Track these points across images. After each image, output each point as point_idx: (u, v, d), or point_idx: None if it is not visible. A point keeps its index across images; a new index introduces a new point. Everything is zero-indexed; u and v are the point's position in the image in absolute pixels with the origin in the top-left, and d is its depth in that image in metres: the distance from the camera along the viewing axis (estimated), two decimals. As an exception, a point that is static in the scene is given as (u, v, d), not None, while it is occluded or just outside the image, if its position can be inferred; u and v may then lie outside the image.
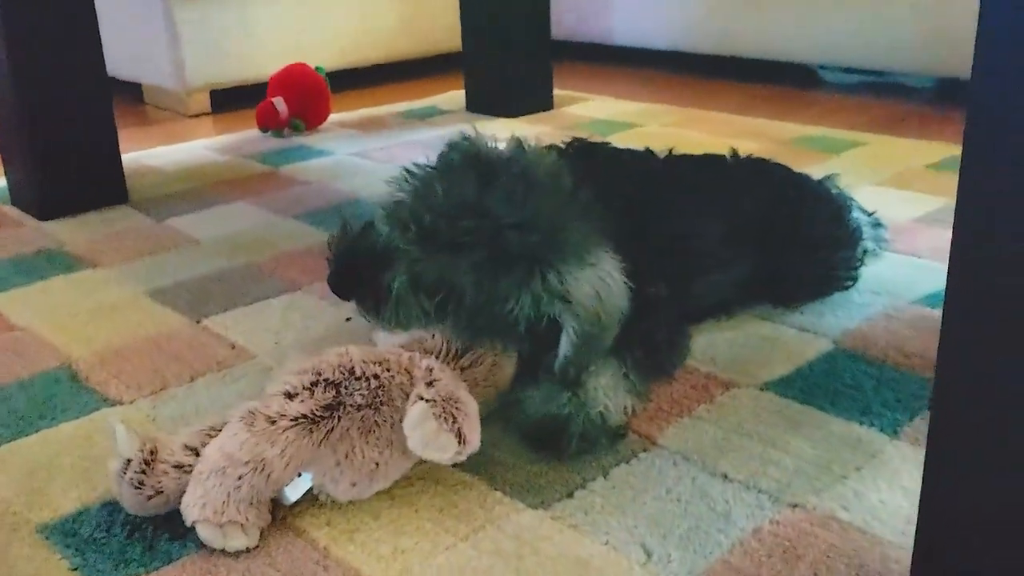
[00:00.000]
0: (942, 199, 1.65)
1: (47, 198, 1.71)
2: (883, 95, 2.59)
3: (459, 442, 0.82)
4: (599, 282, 0.92)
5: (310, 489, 0.86)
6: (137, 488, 0.82)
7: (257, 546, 0.82)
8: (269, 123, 2.24)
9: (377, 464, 0.85)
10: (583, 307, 0.90)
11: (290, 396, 0.84)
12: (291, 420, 0.82)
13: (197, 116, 2.61)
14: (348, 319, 1.26)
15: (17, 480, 0.94)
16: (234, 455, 0.80)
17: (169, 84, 2.59)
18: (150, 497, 0.82)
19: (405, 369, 0.88)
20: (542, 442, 0.93)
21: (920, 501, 0.68)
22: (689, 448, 0.94)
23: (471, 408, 0.85)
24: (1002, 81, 0.57)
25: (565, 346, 0.92)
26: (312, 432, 0.82)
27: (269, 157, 2.09)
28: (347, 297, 0.99)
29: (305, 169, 1.99)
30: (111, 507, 0.89)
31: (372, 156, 2.07)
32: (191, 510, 0.80)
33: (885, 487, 0.88)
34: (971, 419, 0.63)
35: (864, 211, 1.37)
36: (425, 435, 0.81)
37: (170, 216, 1.72)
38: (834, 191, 1.32)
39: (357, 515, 0.86)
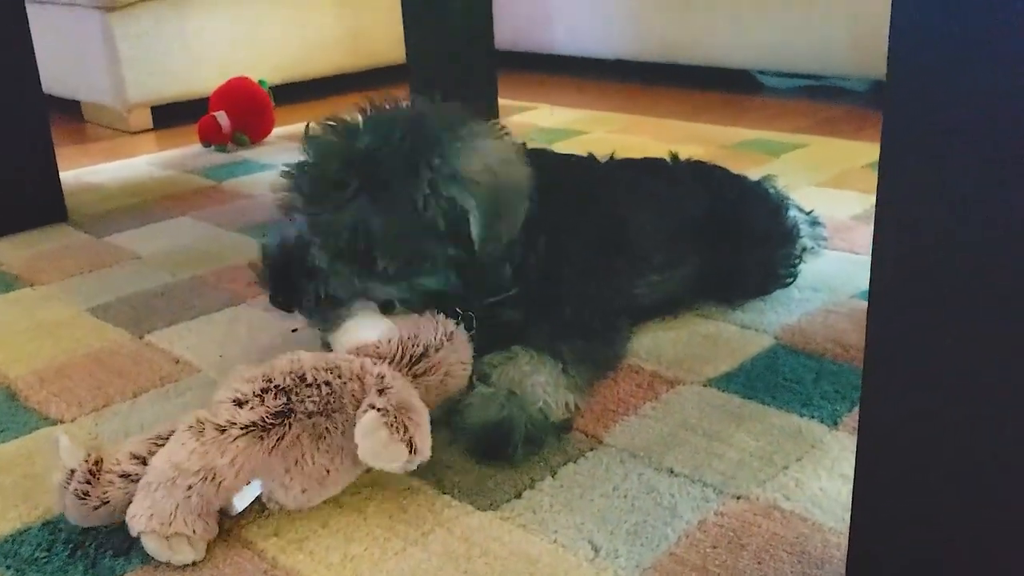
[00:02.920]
0: (878, 197, 1.69)
1: (-16, 217, 1.68)
2: (821, 98, 2.65)
3: (410, 451, 0.81)
4: (490, 156, 0.97)
5: (258, 498, 0.85)
6: (82, 499, 0.81)
7: (203, 559, 0.81)
8: (212, 138, 2.22)
9: (328, 471, 0.85)
10: (476, 183, 0.95)
11: (239, 403, 0.83)
12: (241, 428, 0.81)
13: (138, 133, 2.57)
14: (294, 330, 1.25)
15: (-46, 502, 0.92)
16: (183, 465, 0.79)
17: (109, 101, 2.56)
18: (96, 508, 0.81)
19: (357, 376, 0.88)
20: (488, 450, 0.93)
21: (854, 490, 0.70)
22: (635, 445, 0.95)
23: (423, 417, 0.85)
24: (914, 79, 0.59)
25: (474, 227, 0.95)
26: (263, 439, 0.81)
27: (212, 171, 2.07)
28: (290, 307, 0.99)
29: (248, 183, 1.98)
30: (52, 525, 0.87)
31: (317, 168, 2.06)
32: (137, 520, 0.78)
33: (825, 475, 0.89)
34: (900, 409, 0.65)
35: (802, 210, 1.40)
36: (376, 444, 0.81)
37: (111, 233, 1.69)
38: (771, 191, 1.35)
39: (305, 524, 0.86)
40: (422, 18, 2.41)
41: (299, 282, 0.97)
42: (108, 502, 0.81)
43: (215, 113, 2.21)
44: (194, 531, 0.78)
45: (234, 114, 2.23)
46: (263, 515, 0.86)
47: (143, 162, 2.20)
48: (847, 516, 0.83)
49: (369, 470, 0.89)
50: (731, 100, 2.68)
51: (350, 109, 1.01)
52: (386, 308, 0.98)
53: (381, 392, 0.84)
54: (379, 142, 0.96)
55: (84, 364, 1.19)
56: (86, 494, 0.80)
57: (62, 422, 1.06)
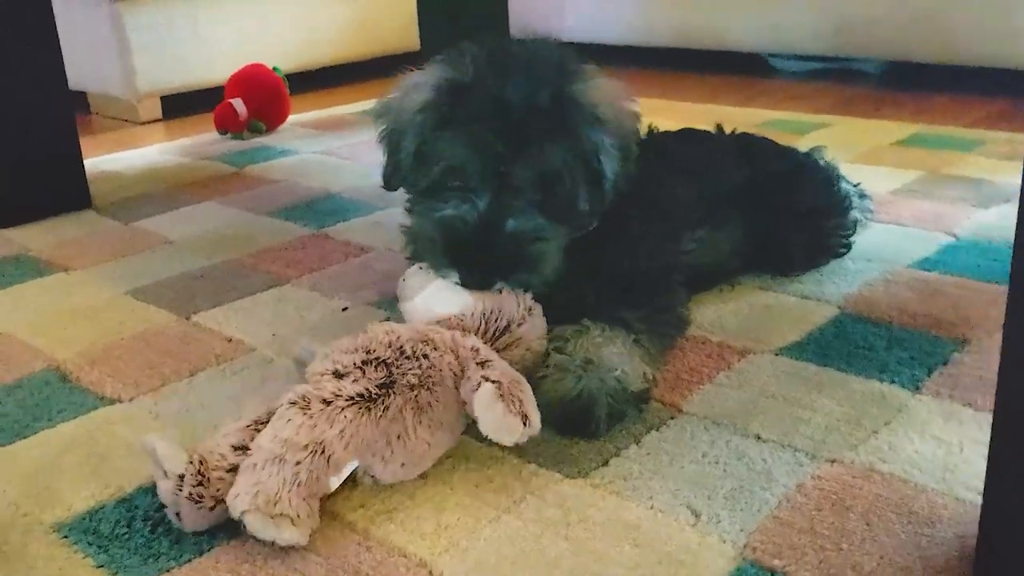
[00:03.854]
0: (914, 172, 1.69)
1: (8, 204, 1.64)
2: (835, 80, 2.64)
3: (523, 423, 0.80)
4: (612, 94, 0.99)
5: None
6: (198, 502, 0.77)
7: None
8: (228, 125, 2.19)
9: (428, 444, 0.83)
10: (609, 121, 0.96)
11: (339, 375, 0.81)
12: (347, 400, 0.79)
13: (148, 123, 2.53)
14: (344, 308, 1.23)
15: (22, 481, 0.89)
16: (292, 440, 0.76)
17: (118, 91, 2.52)
18: (211, 508, 0.78)
19: (451, 348, 0.86)
20: (572, 426, 0.90)
21: (988, 466, 0.67)
22: (717, 413, 0.94)
23: (529, 389, 0.83)
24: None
25: (608, 166, 0.95)
26: (370, 411, 0.79)
27: (232, 158, 2.04)
28: (489, 284, 0.95)
29: (271, 168, 1.95)
30: (128, 502, 0.85)
31: (337, 153, 2.04)
32: (241, 499, 0.74)
33: (917, 439, 0.88)
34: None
35: (849, 182, 1.39)
36: (495, 417, 0.79)
37: (138, 219, 1.66)
38: (821, 162, 1.33)
39: (391, 495, 0.83)
40: (436, 5, 2.39)
41: (493, 252, 0.93)
42: (223, 500, 0.77)
43: (231, 100, 2.18)
44: (298, 514, 0.75)
45: (250, 101, 2.19)
46: (345, 487, 0.84)
47: (158, 150, 2.16)
48: (947, 477, 0.82)
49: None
50: (745, 83, 2.67)
51: (460, 54, 0.98)
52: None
53: (482, 365, 0.83)
54: (530, 91, 0.94)
55: (132, 345, 1.16)
56: (201, 497, 0.77)
57: (119, 402, 1.03)
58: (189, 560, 0.77)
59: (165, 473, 0.78)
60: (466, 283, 0.93)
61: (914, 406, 0.93)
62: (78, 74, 2.60)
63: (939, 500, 0.79)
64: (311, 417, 0.77)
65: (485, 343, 0.89)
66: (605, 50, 3.06)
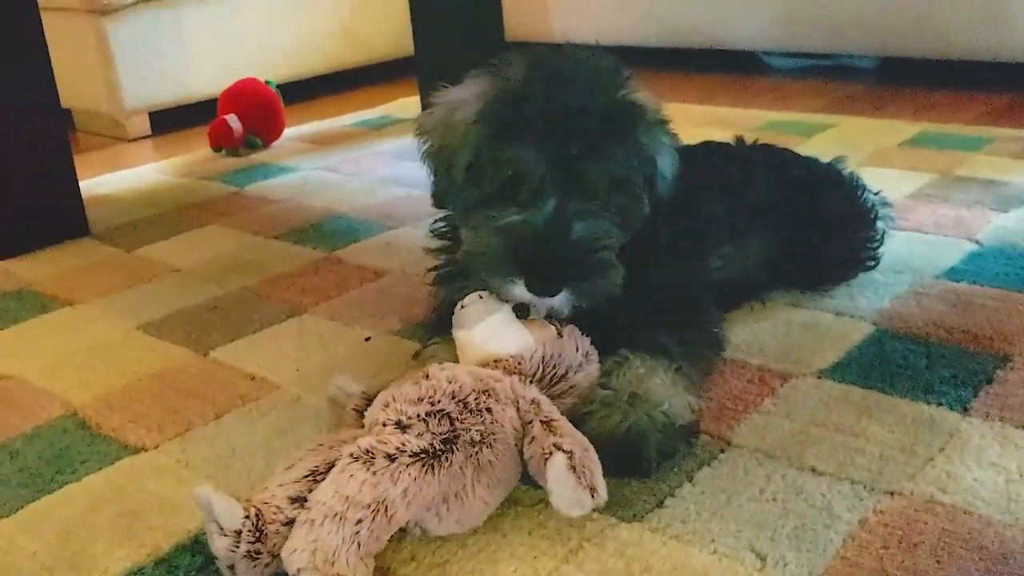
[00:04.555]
0: (927, 174, 1.67)
1: (3, 235, 1.59)
2: (830, 77, 2.63)
3: (591, 496, 0.77)
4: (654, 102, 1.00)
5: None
6: (255, 559, 0.74)
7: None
8: (223, 142, 2.14)
9: (486, 503, 0.80)
10: (662, 127, 0.99)
11: (402, 427, 0.78)
12: (411, 456, 0.76)
13: (136, 140, 2.48)
14: (367, 339, 1.20)
15: (53, 544, 0.85)
16: (354, 498, 0.73)
17: (104, 108, 2.46)
18: (267, 564, 0.75)
19: (512, 400, 0.83)
20: (621, 463, 0.87)
21: None
22: (768, 445, 0.91)
23: (597, 458, 0.80)
24: None
25: (663, 170, 0.97)
26: (433, 468, 0.76)
27: (231, 177, 2.00)
28: (555, 291, 0.91)
29: (272, 187, 1.91)
30: (167, 563, 0.82)
31: (339, 170, 2.00)
32: (298, 556, 0.71)
33: (975, 466, 0.86)
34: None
35: (871, 191, 1.37)
36: (567, 491, 0.76)
37: (140, 245, 1.62)
38: (845, 173, 1.31)
39: (442, 547, 0.80)
40: (430, 10, 2.35)
41: (561, 257, 0.90)
42: (278, 554, 0.74)
43: (226, 116, 2.13)
44: (355, 574, 0.72)
45: (245, 116, 2.15)
46: (393, 538, 0.81)
47: (152, 170, 2.11)
48: (1013, 508, 0.80)
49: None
50: (739, 82, 2.65)
51: (503, 65, 0.96)
52: (522, 311, 0.93)
53: (548, 426, 0.80)
54: (586, 96, 0.92)
55: (151, 386, 1.12)
56: (259, 553, 0.74)
57: (144, 450, 0.99)
58: (240, 626, 0.74)
59: (222, 529, 0.74)
60: (531, 289, 0.89)
61: (966, 430, 0.92)
62: (62, 90, 2.55)
63: (1008, 533, 0.77)
64: (374, 474, 0.74)
65: (541, 390, 0.86)
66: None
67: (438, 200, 1.02)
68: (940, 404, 0.96)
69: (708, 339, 1.05)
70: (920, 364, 1.04)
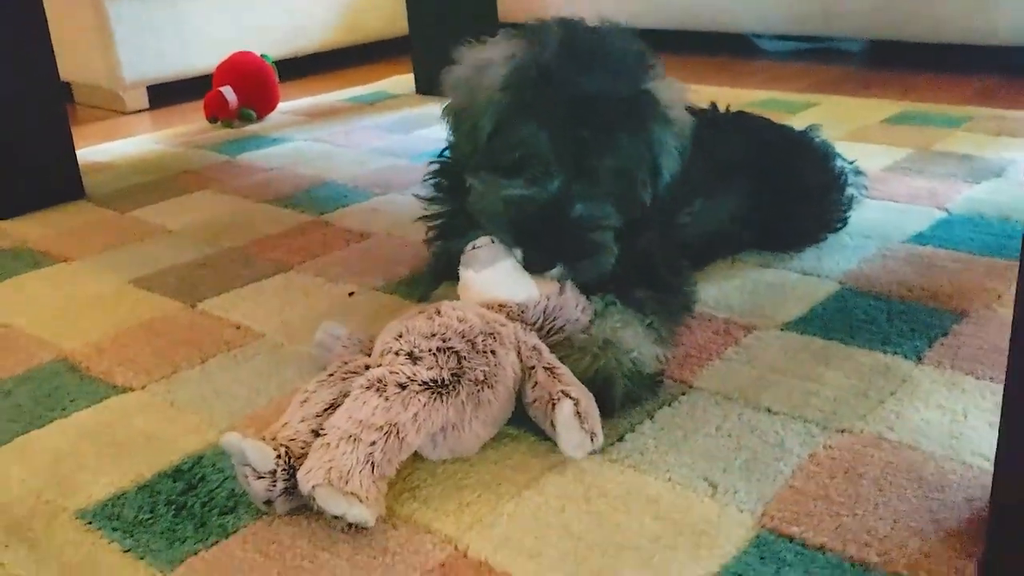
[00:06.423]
0: (905, 149, 1.71)
1: (1, 196, 1.63)
2: (819, 60, 2.66)
3: (591, 440, 0.83)
4: (674, 92, 1.01)
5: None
6: (291, 493, 0.78)
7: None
8: (219, 113, 2.18)
9: (479, 437, 0.85)
10: (674, 120, 1.00)
11: (414, 359, 0.83)
12: (420, 384, 0.80)
13: (134, 113, 2.52)
14: (351, 294, 1.24)
15: (43, 469, 0.90)
16: (367, 420, 0.77)
17: (103, 81, 2.50)
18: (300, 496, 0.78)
19: (514, 346, 0.88)
20: None
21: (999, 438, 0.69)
22: (727, 388, 0.95)
23: (595, 403, 0.86)
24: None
25: (667, 162, 0.99)
26: (442, 397, 0.81)
27: (224, 147, 2.03)
28: (551, 264, 0.97)
29: (265, 156, 1.95)
30: (148, 488, 0.86)
31: (331, 141, 2.04)
32: (313, 474, 0.74)
33: (922, 407, 0.90)
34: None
35: (845, 159, 1.41)
36: (574, 435, 0.83)
37: (134, 208, 1.66)
38: (817, 140, 1.35)
39: (413, 473, 0.84)
40: (425, -10, 2.39)
41: (559, 235, 0.95)
42: None
43: (221, 88, 2.17)
44: (367, 495, 0.75)
45: (240, 89, 2.18)
46: (366, 468, 0.85)
47: (148, 140, 2.15)
48: (954, 444, 0.85)
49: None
50: (729, 64, 2.68)
51: (537, 32, 0.98)
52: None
53: (552, 373, 0.86)
54: (610, 82, 0.95)
55: (140, 333, 1.16)
56: (294, 488, 0.77)
57: (132, 390, 1.03)
58: (216, 542, 0.78)
59: (256, 472, 0.77)
60: (528, 262, 0.95)
61: (918, 376, 0.96)
62: (62, 64, 2.58)
63: (947, 465, 0.81)
64: (387, 399, 0.78)
65: (543, 338, 0.92)
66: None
67: (461, 163, 1.04)
68: (896, 354, 1.00)
69: (681, 297, 1.09)
70: (881, 318, 1.08)
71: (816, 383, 0.95)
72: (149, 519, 0.81)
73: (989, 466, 0.78)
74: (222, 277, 1.32)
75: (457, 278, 1.03)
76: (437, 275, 1.09)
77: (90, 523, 0.81)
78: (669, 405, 0.93)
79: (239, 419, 0.96)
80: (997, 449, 0.70)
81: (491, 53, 1.00)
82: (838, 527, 0.74)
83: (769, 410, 0.91)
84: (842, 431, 0.87)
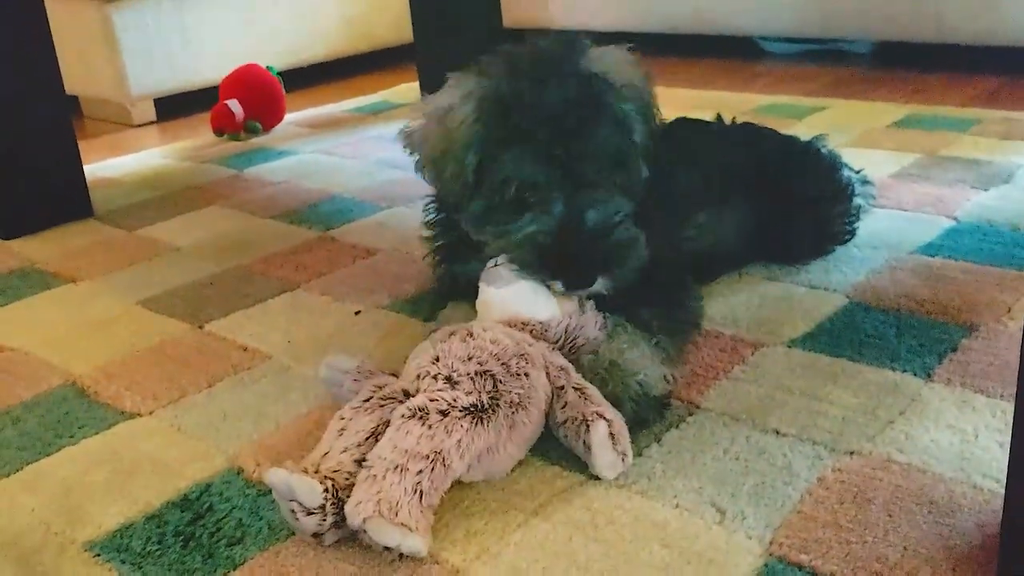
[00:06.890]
0: (912, 154, 1.70)
1: (9, 216, 1.64)
2: (826, 61, 2.65)
3: (622, 460, 0.84)
4: (624, 64, 1.04)
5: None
6: (340, 526, 0.78)
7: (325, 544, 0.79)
8: (225, 126, 2.18)
9: (512, 458, 0.85)
10: (630, 92, 1.00)
11: (452, 383, 0.83)
12: (462, 410, 0.81)
13: (142, 126, 2.53)
14: (357, 312, 1.24)
15: (52, 500, 0.90)
16: (412, 450, 0.77)
17: (111, 95, 2.51)
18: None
19: (544, 367, 0.88)
20: None
21: (1011, 456, 0.69)
22: (735, 408, 0.95)
23: (625, 424, 0.87)
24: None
25: (637, 135, 1.00)
26: (483, 422, 0.81)
27: (231, 161, 2.04)
28: (591, 282, 0.97)
29: (271, 170, 1.95)
30: (157, 519, 0.86)
31: (336, 153, 2.04)
32: (363, 507, 0.74)
33: (932, 427, 0.89)
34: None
35: (852, 169, 1.40)
36: (607, 456, 0.83)
37: (142, 226, 1.66)
38: (823, 150, 1.34)
39: (419, 502, 0.84)
40: (429, -2, 2.38)
41: (584, 250, 0.95)
42: None
43: (227, 101, 2.17)
44: (417, 525, 0.75)
45: (246, 101, 2.19)
46: (373, 496, 0.85)
47: (155, 155, 2.16)
48: (964, 466, 0.84)
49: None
50: (736, 67, 2.67)
51: (484, 67, 0.99)
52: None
53: (582, 393, 0.86)
54: (563, 85, 0.96)
55: (148, 357, 1.17)
56: (343, 520, 0.77)
57: (139, 416, 1.04)
58: (225, 574, 0.78)
59: (304, 507, 0.77)
60: (569, 286, 0.95)
61: (927, 395, 0.95)
62: (69, 78, 2.59)
63: (958, 489, 0.80)
64: (430, 427, 0.79)
65: (567, 356, 0.92)
66: (593, 37, 3.06)
67: (452, 205, 1.03)
68: (905, 371, 0.99)
69: (687, 315, 1.08)
70: (889, 334, 1.07)
71: (824, 402, 0.94)
72: (157, 550, 0.82)
73: (1000, 488, 0.77)
74: (229, 297, 1.32)
75: (464, 298, 1.03)
76: (443, 296, 1.09)
77: (99, 555, 0.82)
78: (676, 427, 0.93)
79: (245, 445, 0.96)
80: (1008, 474, 0.69)
81: (448, 98, 1.00)
82: (847, 554, 0.74)
83: (777, 432, 0.91)
84: (851, 453, 0.86)
